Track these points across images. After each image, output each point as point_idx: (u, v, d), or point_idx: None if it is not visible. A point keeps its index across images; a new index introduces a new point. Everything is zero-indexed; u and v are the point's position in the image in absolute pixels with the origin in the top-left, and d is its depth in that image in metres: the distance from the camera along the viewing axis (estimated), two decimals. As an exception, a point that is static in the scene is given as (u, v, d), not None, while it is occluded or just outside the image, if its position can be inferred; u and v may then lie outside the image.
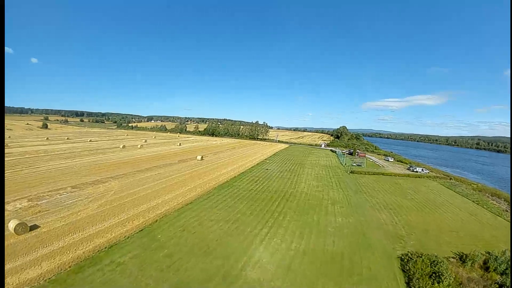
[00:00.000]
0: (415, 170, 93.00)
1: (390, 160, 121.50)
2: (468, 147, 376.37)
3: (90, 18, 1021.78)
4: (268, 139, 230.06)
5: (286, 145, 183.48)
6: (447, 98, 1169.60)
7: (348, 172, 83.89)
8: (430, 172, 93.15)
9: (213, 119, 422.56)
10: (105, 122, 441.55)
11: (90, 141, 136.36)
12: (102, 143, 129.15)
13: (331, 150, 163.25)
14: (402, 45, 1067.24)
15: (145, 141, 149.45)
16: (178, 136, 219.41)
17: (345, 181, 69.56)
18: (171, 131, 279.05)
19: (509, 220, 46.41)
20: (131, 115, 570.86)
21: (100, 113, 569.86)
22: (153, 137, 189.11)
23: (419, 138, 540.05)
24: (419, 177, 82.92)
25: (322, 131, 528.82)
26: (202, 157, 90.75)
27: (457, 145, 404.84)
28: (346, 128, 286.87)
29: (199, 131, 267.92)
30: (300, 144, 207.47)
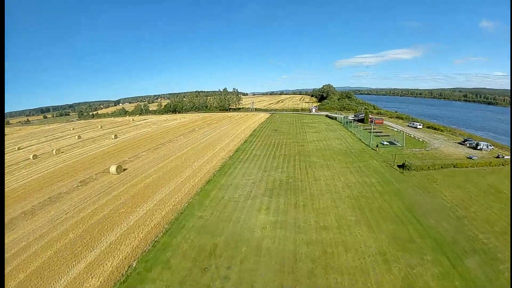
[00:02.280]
0: (479, 147, 56.15)
1: (418, 126, 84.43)
2: (455, 100, 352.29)
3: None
4: (242, 108, 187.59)
5: (267, 114, 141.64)
6: (423, 52, 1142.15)
7: (402, 170, 43.45)
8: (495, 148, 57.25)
9: (184, 93, 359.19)
10: (70, 114, 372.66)
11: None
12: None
13: (327, 116, 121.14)
14: None
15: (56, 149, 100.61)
16: (132, 120, 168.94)
17: (431, 216, 30.86)
18: (130, 113, 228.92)
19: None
20: (100, 101, 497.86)
21: (67, 105, 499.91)
22: (98, 127, 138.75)
23: (401, 92, 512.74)
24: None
25: (300, 92, 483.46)
26: (117, 167, 48.35)
27: (444, 98, 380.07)
28: (332, 86, 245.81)
29: (161, 109, 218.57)
30: (283, 110, 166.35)
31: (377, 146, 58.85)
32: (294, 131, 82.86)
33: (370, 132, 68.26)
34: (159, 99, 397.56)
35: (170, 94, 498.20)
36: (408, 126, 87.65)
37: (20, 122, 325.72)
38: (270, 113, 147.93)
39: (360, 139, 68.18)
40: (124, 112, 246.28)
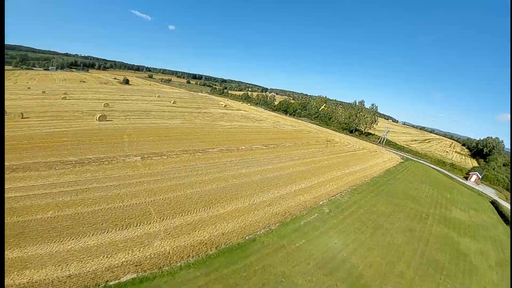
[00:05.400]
0: None
1: None
2: None
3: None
4: (371, 134, 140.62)
5: (396, 157, 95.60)
6: None
7: None
8: None
9: (311, 96, 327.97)
10: (212, 86, 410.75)
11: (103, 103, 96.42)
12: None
13: (494, 204, 61.11)
14: None
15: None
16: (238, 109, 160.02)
17: None
18: (250, 100, 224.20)
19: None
20: (249, 84, 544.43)
21: (221, 79, 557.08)
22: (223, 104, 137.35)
23: None
24: None
25: (452, 137, 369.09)
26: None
27: None
28: (499, 141, 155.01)
29: (273, 105, 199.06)
30: (425, 158, 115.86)
31: None
32: (437, 231, 40.88)
33: None
34: (272, 93, 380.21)
35: (291, 92, 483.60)
36: None
37: (161, 79, 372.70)
38: (403, 157, 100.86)
39: None
40: (247, 97, 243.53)
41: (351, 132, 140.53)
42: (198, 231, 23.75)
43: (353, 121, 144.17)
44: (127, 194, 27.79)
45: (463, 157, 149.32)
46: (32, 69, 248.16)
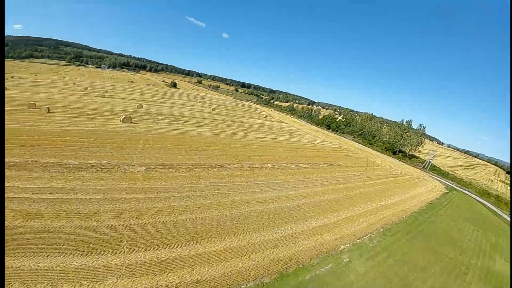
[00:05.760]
0: None
1: None
2: None
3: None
4: (415, 157, 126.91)
5: (440, 186, 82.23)
6: None
7: None
8: None
9: (356, 112, 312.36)
10: (259, 96, 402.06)
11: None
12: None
13: None
14: None
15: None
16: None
17: None
18: (296, 113, 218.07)
19: None
20: (297, 96, 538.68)
21: (269, 89, 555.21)
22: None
23: None
24: None
25: (496, 163, 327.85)
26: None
27: None
28: None
29: (317, 119, 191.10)
30: (470, 183, 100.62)
31: None
32: None
33: None
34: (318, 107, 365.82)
35: (338, 106, 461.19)
36: None
37: (210, 85, 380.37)
38: (445, 186, 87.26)
39: None
40: (290, 109, 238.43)
41: (394, 153, 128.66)
42: (168, 274, 19.04)
43: (398, 142, 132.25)
44: (107, 212, 24.38)
45: (508, 187, 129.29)
46: (85, 66, 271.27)
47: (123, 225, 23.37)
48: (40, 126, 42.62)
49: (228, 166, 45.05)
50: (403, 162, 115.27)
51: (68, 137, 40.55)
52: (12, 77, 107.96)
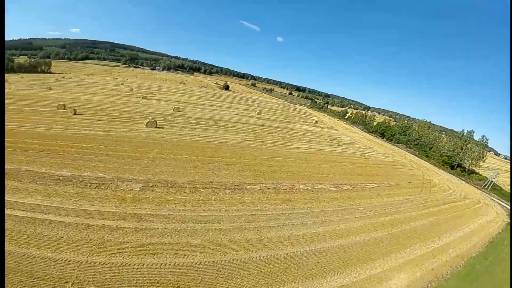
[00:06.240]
0: None
1: None
2: None
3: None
4: (477, 173, 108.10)
5: (504, 211, 65.42)
6: None
7: None
8: None
9: (412, 118, 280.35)
10: (313, 100, 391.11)
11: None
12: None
13: None
14: None
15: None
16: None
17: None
18: (349, 119, 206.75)
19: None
20: (352, 101, 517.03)
21: (325, 93, 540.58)
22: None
23: None
24: None
25: None
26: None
27: None
28: None
29: (371, 126, 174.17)
30: None
31: None
32: None
33: None
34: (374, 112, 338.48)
35: (394, 112, 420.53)
36: None
37: (264, 88, 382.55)
38: (507, 212, 68.27)
39: None
40: (343, 114, 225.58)
41: (452, 167, 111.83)
42: None
43: (457, 155, 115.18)
44: (68, 242, 20.69)
45: None
46: (140, 67, 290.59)
47: (79, 261, 19.36)
48: (55, 130, 42.53)
49: (247, 187, 37.75)
50: (461, 180, 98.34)
51: (77, 142, 39.36)
52: (63, 77, 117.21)
